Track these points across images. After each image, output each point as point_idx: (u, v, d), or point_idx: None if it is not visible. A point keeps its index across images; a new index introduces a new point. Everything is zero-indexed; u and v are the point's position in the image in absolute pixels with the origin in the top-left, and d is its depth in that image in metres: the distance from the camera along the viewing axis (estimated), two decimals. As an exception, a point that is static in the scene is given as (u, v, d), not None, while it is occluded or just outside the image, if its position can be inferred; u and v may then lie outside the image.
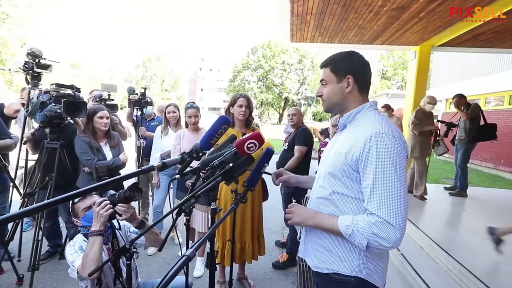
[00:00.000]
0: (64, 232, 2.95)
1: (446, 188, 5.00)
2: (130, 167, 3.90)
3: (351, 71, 1.10)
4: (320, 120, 28.53)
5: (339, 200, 1.08)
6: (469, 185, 4.70)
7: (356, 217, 0.99)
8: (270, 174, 2.75)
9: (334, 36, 4.61)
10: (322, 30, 4.39)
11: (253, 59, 30.37)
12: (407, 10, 3.45)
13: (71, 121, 2.52)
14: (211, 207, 1.27)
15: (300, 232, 1.29)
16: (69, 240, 1.90)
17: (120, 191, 1.40)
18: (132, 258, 1.27)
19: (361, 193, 1.02)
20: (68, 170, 2.39)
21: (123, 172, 2.48)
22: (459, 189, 4.67)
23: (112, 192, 1.44)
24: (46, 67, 2.36)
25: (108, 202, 1.34)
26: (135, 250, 1.36)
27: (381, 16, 3.67)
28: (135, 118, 3.33)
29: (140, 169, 0.93)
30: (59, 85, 2.18)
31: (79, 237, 1.48)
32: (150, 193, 3.62)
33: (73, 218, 1.53)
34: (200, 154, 1.19)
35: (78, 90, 2.30)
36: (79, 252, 1.39)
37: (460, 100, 4.54)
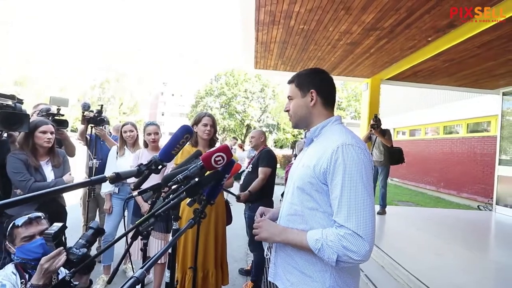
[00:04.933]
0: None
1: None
2: (78, 191, 3.49)
3: (314, 86, 1.13)
4: (281, 147, 29.29)
5: (309, 216, 1.05)
6: (417, 206, 5.05)
7: (325, 231, 0.96)
8: (234, 194, 2.68)
9: (296, 65, 4.90)
10: (284, 59, 4.64)
11: (216, 86, 30.80)
12: (360, 45, 3.83)
13: (7, 138, 2.19)
14: (173, 227, 1.15)
15: (268, 249, 1.23)
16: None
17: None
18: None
19: (330, 207, 1.00)
20: (-2, 193, 2.03)
21: (70, 195, 2.19)
22: (382, 208, 4.71)
23: (56, 225, 1.17)
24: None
25: (64, 255, 1.09)
26: (77, 283, 1.15)
27: (338, 49, 4.02)
28: (88, 137, 3.07)
29: (89, 179, 0.81)
30: (-3, 95, 1.91)
31: (8, 268, 1.20)
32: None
33: (6, 243, 1.26)
34: (160, 166, 1.09)
35: (20, 101, 2.03)
36: None
37: (378, 123, 4.48)
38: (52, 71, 31.99)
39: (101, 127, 2.99)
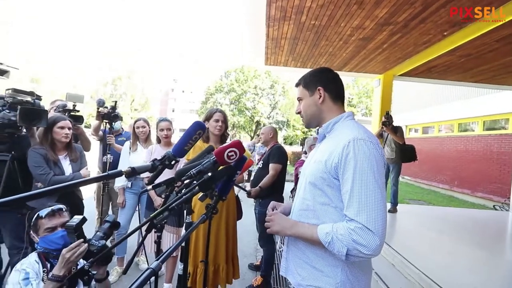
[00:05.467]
0: (5, 259, 2.55)
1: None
2: (92, 185, 3.59)
3: (321, 83, 1.15)
4: (290, 143, 29.17)
5: (321, 211, 1.05)
6: (429, 204, 4.95)
7: (336, 225, 0.97)
8: (245, 190, 2.70)
9: (307, 61, 4.86)
10: (295, 55, 4.60)
11: (226, 82, 30.82)
12: (372, 41, 3.76)
13: (27, 133, 2.28)
14: (186, 220, 1.17)
15: (282, 243, 1.25)
16: (11, 269, 1.64)
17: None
18: (91, 283, 1.11)
19: (342, 202, 1.00)
20: (19, 186, 2.12)
21: (84, 189, 2.26)
22: (393, 206, 4.66)
23: (77, 218, 1.22)
24: (2, 73, 2.14)
25: (85, 246, 1.16)
26: (95, 273, 1.20)
27: (350, 45, 3.96)
28: (102, 132, 3.15)
29: (107, 173, 0.83)
30: (17, 91, 1.98)
31: (32, 257, 1.27)
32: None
33: (31, 232, 1.33)
34: (173, 162, 1.12)
35: (39, 98, 2.10)
36: (22, 285, 1.17)
37: (390, 120, 4.43)
38: (52, 71, 32.48)
39: (112, 134, 3.05)
